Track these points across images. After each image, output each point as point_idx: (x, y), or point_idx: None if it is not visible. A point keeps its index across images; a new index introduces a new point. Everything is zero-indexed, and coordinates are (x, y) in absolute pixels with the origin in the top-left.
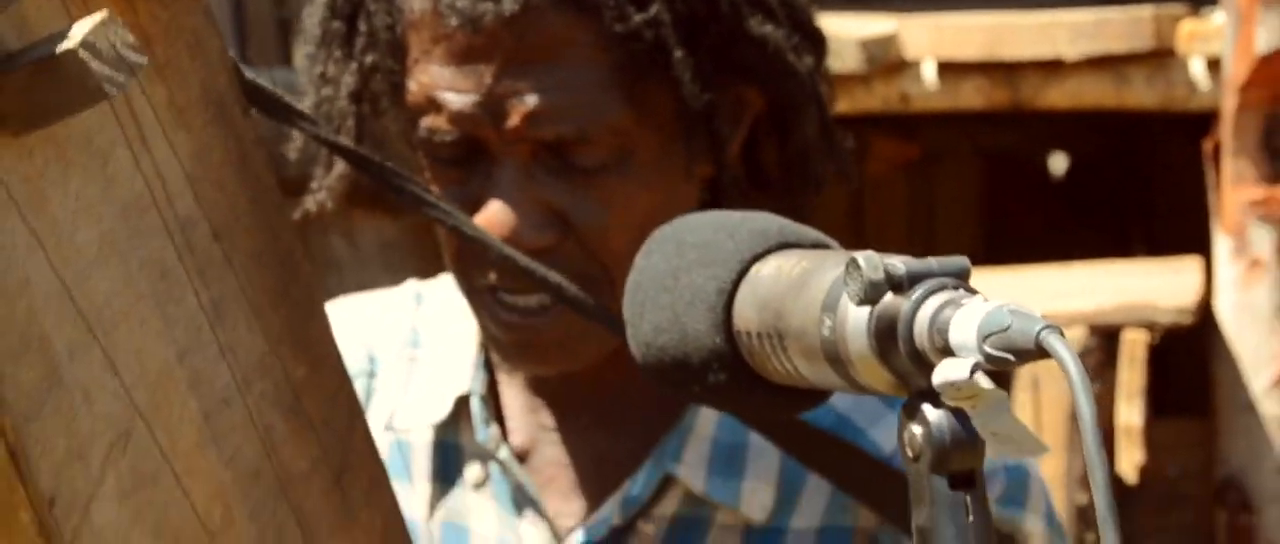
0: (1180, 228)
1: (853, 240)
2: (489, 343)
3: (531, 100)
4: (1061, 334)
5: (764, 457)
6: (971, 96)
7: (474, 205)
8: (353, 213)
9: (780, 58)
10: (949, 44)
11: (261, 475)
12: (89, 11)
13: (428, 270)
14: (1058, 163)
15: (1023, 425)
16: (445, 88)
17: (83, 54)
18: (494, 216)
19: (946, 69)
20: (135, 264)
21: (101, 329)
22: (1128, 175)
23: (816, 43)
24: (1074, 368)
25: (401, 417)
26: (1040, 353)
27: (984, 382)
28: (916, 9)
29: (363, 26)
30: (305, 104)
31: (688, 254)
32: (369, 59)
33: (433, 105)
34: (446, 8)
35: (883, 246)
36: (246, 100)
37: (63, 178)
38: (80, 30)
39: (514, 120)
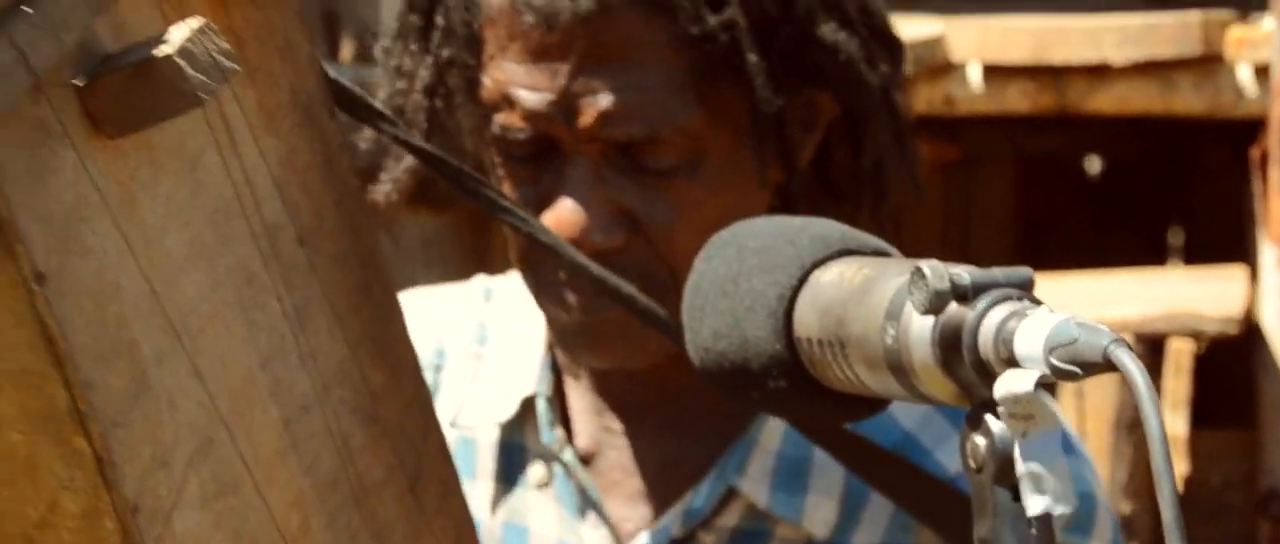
0: (1217, 234)
1: (887, 242)
2: (553, 333)
3: (605, 100)
4: (1130, 348)
5: (828, 472)
6: (1017, 100)
7: (544, 203)
8: (396, 207)
9: (852, 66)
10: (995, 47)
11: (338, 484)
12: (184, 15)
13: (469, 266)
14: (1092, 164)
15: (1067, 471)
16: (520, 85)
17: (179, 60)
18: (564, 215)
19: (992, 72)
20: (222, 269)
21: (187, 335)
22: (1165, 180)
23: (893, 51)
24: (1143, 384)
25: (467, 413)
26: (1107, 366)
27: (1048, 401)
28: (963, 11)
29: (440, 21)
30: (378, 97)
31: (748, 259)
32: (445, 53)
33: (507, 102)
34: (523, 5)
35: (917, 249)
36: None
37: (154, 181)
38: (177, 36)
39: (587, 119)
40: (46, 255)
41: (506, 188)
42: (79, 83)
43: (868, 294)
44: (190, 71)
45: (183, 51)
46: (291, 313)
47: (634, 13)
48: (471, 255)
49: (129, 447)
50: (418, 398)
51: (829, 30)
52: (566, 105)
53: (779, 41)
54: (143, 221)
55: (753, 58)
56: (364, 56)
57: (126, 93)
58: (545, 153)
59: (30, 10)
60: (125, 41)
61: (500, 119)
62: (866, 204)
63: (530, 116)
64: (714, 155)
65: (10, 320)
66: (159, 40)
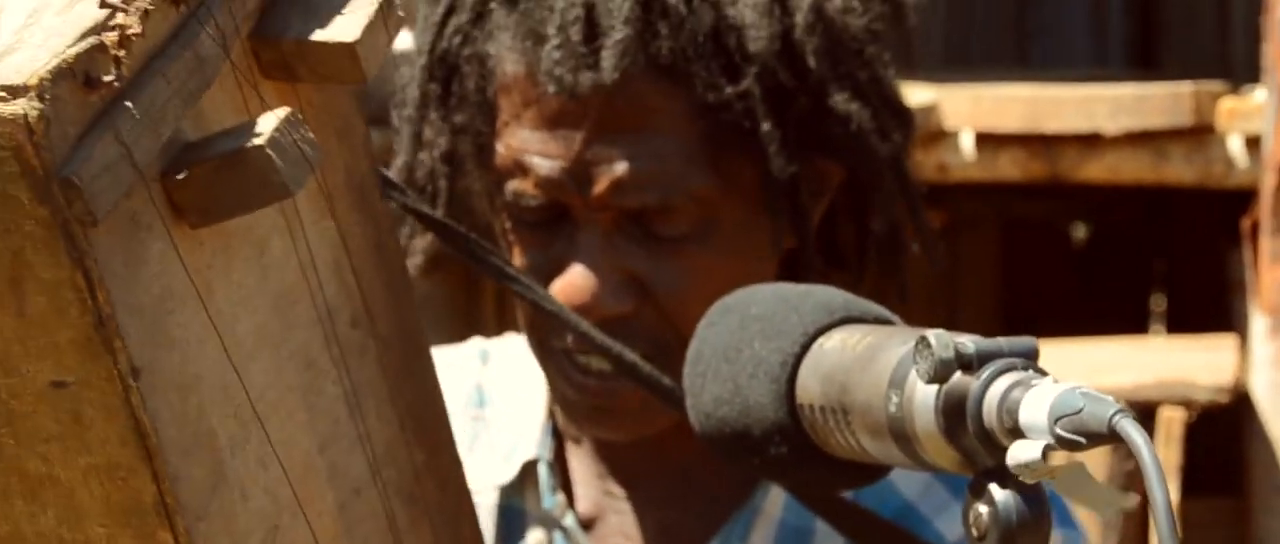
0: (1199, 302)
1: (894, 309)
2: (561, 406)
3: (619, 169)
4: (1135, 419)
5: (830, 541)
6: (1009, 168)
7: (555, 269)
8: None
9: (863, 136)
10: (988, 115)
11: None
12: (263, 102)
13: (458, 329)
14: (1077, 231)
15: (1105, 487)
16: (533, 152)
17: (269, 151)
18: (575, 281)
19: (985, 140)
20: (285, 354)
21: (256, 423)
22: (1148, 247)
23: (903, 120)
24: (1148, 455)
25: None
26: (1113, 437)
27: (1058, 460)
28: (956, 79)
29: (456, 88)
30: (395, 163)
31: (751, 326)
32: (459, 119)
33: (520, 169)
34: (544, 74)
35: (903, 314)
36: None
37: (227, 268)
38: (267, 126)
39: (600, 188)
40: (141, 349)
41: (517, 253)
42: (166, 172)
43: (871, 362)
44: (280, 162)
45: (272, 142)
46: (347, 395)
47: (650, 82)
48: (460, 318)
49: (209, 539)
50: (454, 475)
51: (841, 100)
52: (580, 173)
53: (793, 111)
54: (218, 310)
55: (767, 126)
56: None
57: (212, 183)
58: (556, 219)
59: (131, 105)
60: (205, 130)
61: (513, 186)
62: (873, 272)
63: (543, 184)
64: (725, 222)
65: (102, 415)
66: (248, 130)
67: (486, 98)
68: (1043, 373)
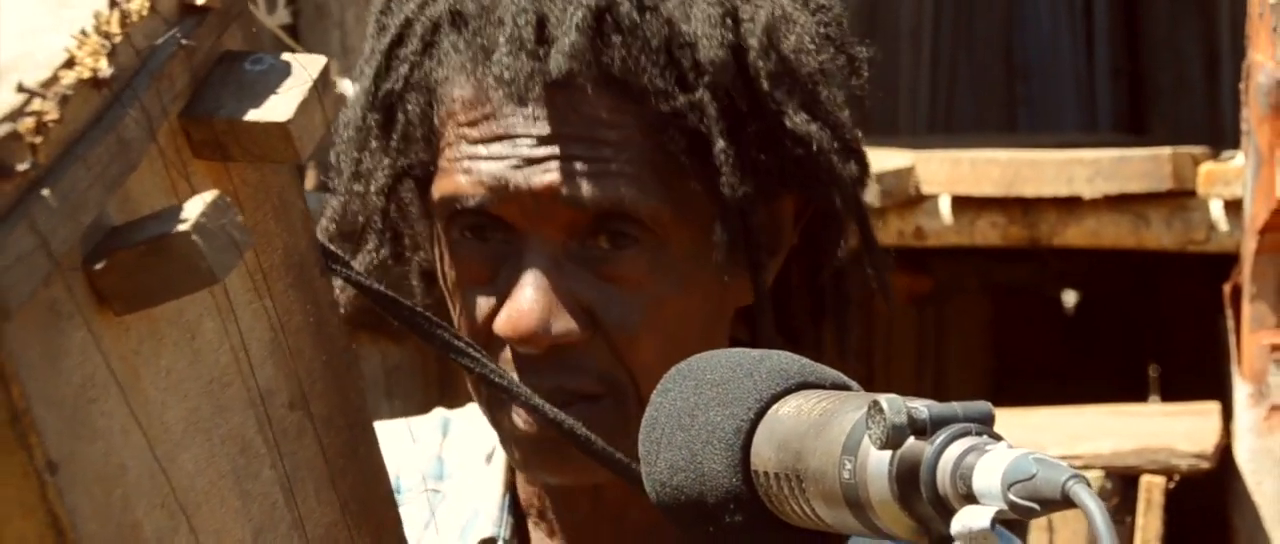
0: (1193, 369)
1: (860, 376)
2: (506, 445)
3: (566, 167)
4: (1089, 485)
5: None
6: (987, 232)
7: (502, 294)
8: (358, 337)
9: (825, 157)
10: (966, 179)
11: None
12: (190, 183)
13: (432, 397)
14: (1067, 298)
15: None
16: (480, 158)
17: (195, 237)
18: (523, 306)
19: (963, 204)
20: (217, 440)
21: (185, 513)
22: (1140, 314)
23: (860, 159)
24: (1101, 521)
25: None
26: (1066, 503)
27: (1001, 538)
28: (934, 143)
29: (400, 118)
30: (333, 201)
31: (706, 392)
32: (402, 160)
33: (462, 172)
34: (494, 79)
35: (890, 383)
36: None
37: (155, 354)
38: (193, 211)
39: (543, 183)
40: (59, 442)
41: (462, 279)
42: (88, 259)
43: (825, 428)
44: (206, 248)
45: (199, 228)
46: (283, 479)
47: (601, 93)
48: (434, 386)
49: None
50: None
51: (800, 121)
52: (525, 175)
53: (747, 132)
54: (145, 397)
55: (720, 144)
56: (326, 187)
57: (138, 270)
58: (502, 248)
59: (48, 193)
60: (132, 213)
61: (454, 184)
62: (837, 312)
63: (488, 182)
64: (675, 249)
65: (18, 511)
66: (173, 215)
67: (432, 126)
68: (997, 438)
